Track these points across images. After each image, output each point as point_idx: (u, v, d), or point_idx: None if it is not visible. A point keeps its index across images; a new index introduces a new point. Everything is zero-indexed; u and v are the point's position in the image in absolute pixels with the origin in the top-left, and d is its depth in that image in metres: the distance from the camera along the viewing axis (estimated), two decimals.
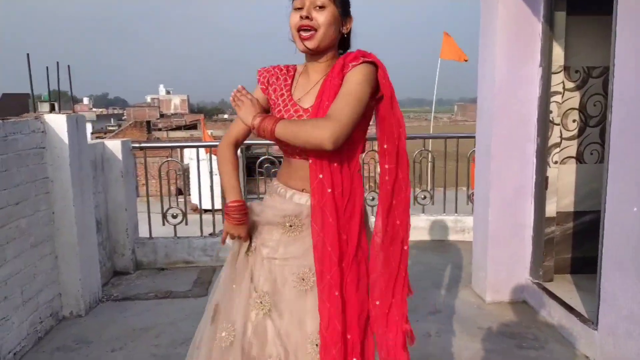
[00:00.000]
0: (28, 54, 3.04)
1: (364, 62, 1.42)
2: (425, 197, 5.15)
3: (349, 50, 1.56)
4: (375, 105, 1.50)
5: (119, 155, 3.94)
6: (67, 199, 3.14)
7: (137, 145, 4.20)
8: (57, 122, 3.07)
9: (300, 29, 1.44)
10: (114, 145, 3.93)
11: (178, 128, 40.13)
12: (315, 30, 1.43)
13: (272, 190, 1.65)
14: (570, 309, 2.95)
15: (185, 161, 10.26)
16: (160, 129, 37.44)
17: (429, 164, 5.30)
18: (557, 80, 3.25)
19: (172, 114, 57.58)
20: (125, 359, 2.74)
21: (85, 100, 71.27)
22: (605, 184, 2.53)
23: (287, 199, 1.57)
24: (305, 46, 1.46)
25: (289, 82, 1.58)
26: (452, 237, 5.01)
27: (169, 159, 4.82)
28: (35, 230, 2.95)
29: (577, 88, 3.44)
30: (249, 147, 9.67)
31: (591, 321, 2.71)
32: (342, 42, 1.55)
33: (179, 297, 3.64)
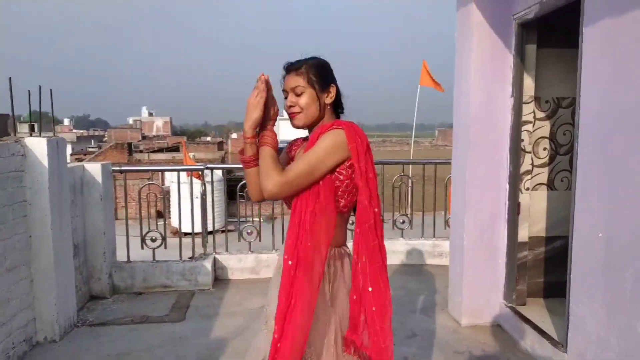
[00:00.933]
0: (10, 78, 3.05)
1: (334, 128, 1.57)
2: (404, 222, 5.23)
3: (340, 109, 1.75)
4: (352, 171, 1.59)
5: (99, 179, 3.94)
6: (45, 223, 3.12)
7: (117, 168, 4.20)
8: (37, 146, 3.08)
9: (289, 112, 1.68)
10: (94, 169, 3.93)
11: (160, 150, 39.84)
12: (300, 111, 1.65)
13: None
14: (541, 332, 3.01)
15: (167, 184, 10.23)
16: (141, 151, 37.16)
17: (408, 188, 5.39)
18: (528, 110, 3.39)
19: (154, 136, 57.28)
20: None
21: (66, 122, 70.54)
22: (572, 210, 2.63)
23: None
24: (294, 124, 1.69)
25: (293, 150, 1.83)
26: (430, 261, 5.08)
27: (150, 182, 4.81)
28: (12, 254, 2.93)
29: (548, 117, 3.59)
30: (230, 170, 9.71)
31: (561, 344, 2.77)
32: (335, 105, 1.72)
33: (156, 322, 3.61)
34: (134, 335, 3.36)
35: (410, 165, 6.91)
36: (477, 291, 3.56)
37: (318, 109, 1.67)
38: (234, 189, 8.48)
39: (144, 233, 4.39)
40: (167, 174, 10.26)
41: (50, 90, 3.26)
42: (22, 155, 3.04)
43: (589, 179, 2.53)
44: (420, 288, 4.34)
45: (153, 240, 4.36)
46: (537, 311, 3.38)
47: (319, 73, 1.66)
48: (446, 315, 3.72)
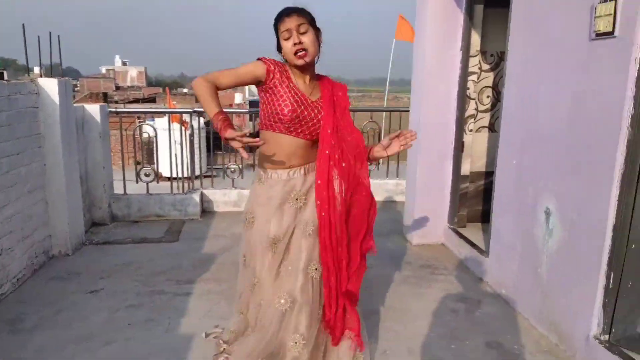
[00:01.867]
0: (23, 24, 3.44)
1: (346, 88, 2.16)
2: (370, 164, 5.84)
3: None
4: None
5: (98, 118, 4.40)
6: (57, 153, 3.62)
7: (113, 109, 4.66)
8: (49, 85, 3.53)
9: (296, 52, 1.92)
10: (93, 109, 4.38)
11: (136, 101, 39.12)
12: (306, 50, 1.92)
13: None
14: (473, 245, 3.72)
15: (144, 135, 10.61)
16: (117, 102, 36.53)
17: (375, 135, 5.98)
18: (474, 62, 3.96)
19: (128, 87, 55.88)
20: (112, 285, 3.30)
21: (36, 70, 67.99)
22: (498, 143, 3.27)
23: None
24: (303, 62, 1.94)
25: (292, 82, 2.03)
26: (395, 197, 5.75)
27: (141, 122, 5.28)
28: (31, 179, 3.44)
29: (492, 69, 4.17)
30: (209, 122, 10.06)
31: (486, 252, 3.48)
32: None
33: (153, 242, 4.20)
34: (136, 251, 3.96)
35: (383, 118, 7.47)
36: (426, 217, 4.24)
37: (317, 50, 1.96)
38: (217, 142, 8.91)
39: (138, 169, 4.91)
40: (147, 128, 10.69)
41: (58, 36, 3.67)
42: (36, 93, 3.49)
43: (509, 118, 3.16)
44: (382, 219, 4.99)
45: (147, 175, 4.89)
46: (473, 232, 4.08)
47: (314, 18, 1.95)
48: (401, 238, 4.42)
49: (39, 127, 3.54)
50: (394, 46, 11.74)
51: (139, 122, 5.35)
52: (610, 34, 2.19)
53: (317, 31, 1.98)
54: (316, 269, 2.12)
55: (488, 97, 4.21)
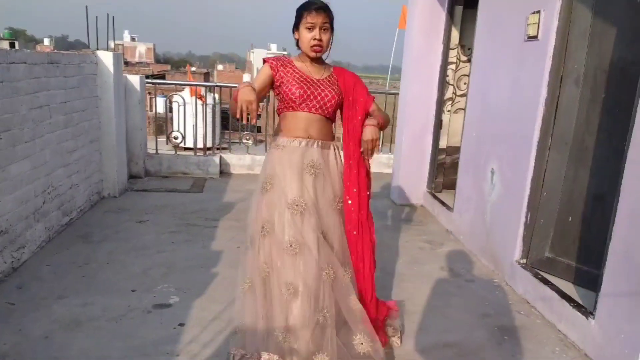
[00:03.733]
0: (86, 6, 4.27)
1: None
2: None
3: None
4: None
5: (137, 87, 5.25)
6: (110, 112, 4.48)
7: (150, 81, 5.50)
8: (106, 57, 4.38)
9: (312, 46, 2.12)
10: (134, 79, 5.23)
11: (146, 77, 39.54)
12: (322, 46, 2.13)
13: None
14: (444, 204, 4.59)
15: (160, 109, 11.50)
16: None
17: None
18: (453, 54, 4.78)
19: (137, 62, 56.48)
20: (155, 218, 4.19)
21: (46, 42, 68.66)
22: (464, 120, 4.12)
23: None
24: (315, 55, 2.15)
25: (294, 67, 2.19)
26: (385, 170, 6.60)
27: (175, 93, 6.14)
28: (92, 131, 4.31)
29: (468, 60, 4.98)
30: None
31: (452, 208, 4.35)
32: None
33: (182, 192, 5.09)
34: (169, 196, 4.85)
35: (384, 101, 8.23)
36: (409, 182, 5.10)
37: (328, 47, 2.17)
38: (224, 118, 9.76)
39: (168, 132, 5.77)
40: (160, 102, 11.64)
41: (113, 17, 4.49)
42: (95, 63, 4.34)
43: (472, 99, 4.00)
44: (374, 185, 5.85)
45: (175, 138, 5.75)
46: (447, 197, 4.92)
47: (334, 18, 2.11)
48: (388, 200, 5.29)
49: (97, 90, 4.39)
50: (397, 35, 12.47)
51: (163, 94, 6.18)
52: (535, 38, 3.03)
53: (332, 31, 2.18)
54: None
55: (465, 84, 5.02)
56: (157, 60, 69.96)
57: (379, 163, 6.62)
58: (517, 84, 3.26)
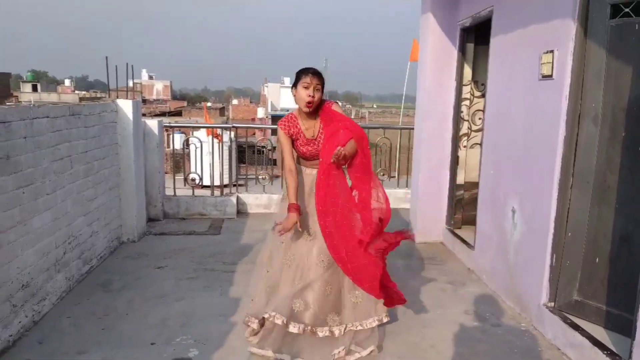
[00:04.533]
0: (107, 57, 4.42)
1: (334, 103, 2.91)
2: (383, 174, 6.69)
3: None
4: None
5: (156, 131, 5.35)
6: (129, 159, 4.56)
7: (167, 124, 5.61)
8: (125, 105, 4.48)
9: (308, 100, 2.73)
10: (153, 124, 5.34)
11: (162, 114, 40.49)
12: (313, 102, 2.75)
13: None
14: (463, 241, 4.51)
15: (177, 145, 11.77)
16: (144, 114, 37.88)
17: (388, 149, 6.82)
18: (467, 90, 4.79)
19: (154, 100, 57.96)
20: (173, 263, 4.19)
21: (67, 82, 71.03)
22: (480, 158, 4.08)
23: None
24: (308, 109, 2.77)
25: (298, 126, 2.87)
26: (402, 205, 6.55)
27: (191, 136, 6.24)
28: (111, 178, 4.37)
29: (482, 96, 4.98)
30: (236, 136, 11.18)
31: (472, 246, 4.27)
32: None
33: (199, 234, 5.10)
34: (186, 240, 4.86)
35: (399, 135, 8.27)
36: (428, 218, 5.04)
37: (318, 102, 2.81)
38: (241, 152, 9.83)
39: (186, 174, 5.84)
40: (176, 138, 11.90)
41: (132, 66, 4.63)
42: (115, 111, 4.44)
43: (488, 136, 3.98)
44: (392, 222, 5.79)
45: (193, 180, 5.81)
46: (467, 233, 4.85)
47: (324, 83, 2.83)
48: None
49: (117, 138, 4.48)
50: (409, 66, 12.60)
51: (184, 136, 6.28)
52: (550, 77, 3.02)
53: (322, 92, 2.81)
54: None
55: (480, 119, 5.01)
56: (174, 97, 71.76)
57: (395, 198, 6.57)
58: (534, 122, 3.24)
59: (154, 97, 66.11)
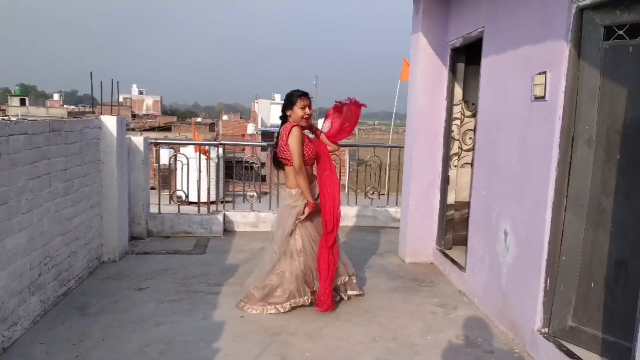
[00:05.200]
0: (91, 72, 4.30)
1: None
2: (373, 193, 6.61)
3: None
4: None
5: (141, 148, 5.22)
6: (112, 176, 4.42)
7: (153, 141, 5.49)
8: (109, 121, 4.36)
9: (306, 118, 3.57)
10: (138, 140, 5.21)
11: (152, 129, 40.17)
12: (310, 119, 3.64)
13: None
14: (455, 262, 4.42)
15: (163, 161, 11.62)
16: (133, 129, 37.74)
17: (377, 167, 6.75)
18: (457, 109, 4.75)
19: (144, 115, 57.61)
20: (155, 285, 4.03)
21: (56, 97, 70.42)
22: (471, 177, 4.02)
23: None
24: (308, 124, 3.65)
25: (305, 135, 3.61)
26: (392, 224, 6.45)
27: (177, 153, 6.12)
28: (92, 196, 4.23)
29: (473, 115, 4.95)
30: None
31: (464, 268, 4.18)
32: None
33: (184, 253, 4.95)
34: (170, 259, 4.71)
35: (389, 152, 8.22)
36: (418, 238, 4.95)
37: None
38: (229, 172, 9.71)
39: (171, 191, 5.70)
40: (163, 153, 11.77)
41: (117, 82, 4.51)
42: (99, 127, 4.32)
43: (479, 157, 3.92)
44: (381, 241, 5.73)
45: (179, 198, 5.67)
46: (458, 254, 4.76)
47: None
48: (396, 257, 5.12)
49: (100, 154, 4.35)
50: (399, 86, 12.65)
51: (172, 152, 6.15)
52: (542, 98, 2.97)
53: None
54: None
55: (470, 138, 4.96)
56: (164, 112, 71.45)
57: (386, 217, 6.49)
58: (526, 143, 3.18)
59: (144, 112, 65.74)
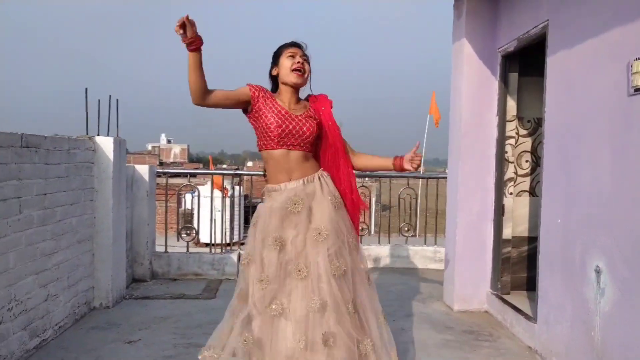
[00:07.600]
0: (86, 88, 3.79)
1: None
2: (408, 230, 5.81)
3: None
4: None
5: (146, 178, 4.63)
6: (107, 207, 3.80)
7: (160, 170, 4.90)
8: (105, 143, 3.79)
9: (295, 69, 2.24)
10: (143, 169, 4.63)
11: (177, 175, 40.19)
12: (303, 72, 2.26)
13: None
14: (519, 311, 3.56)
15: (187, 205, 11.07)
16: (160, 176, 37.90)
17: (412, 200, 6.00)
18: (511, 127, 4.01)
19: (171, 162, 58.46)
20: (150, 337, 3.30)
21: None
22: (540, 206, 3.23)
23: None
24: (298, 81, 2.25)
25: (274, 101, 2.26)
26: (431, 265, 5.62)
27: (184, 193, 5.52)
28: (81, 229, 3.59)
29: (529, 134, 4.21)
30: (246, 196, 10.49)
31: (533, 318, 3.32)
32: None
33: (191, 298, 4.22)
34: (174, 305, 3.98)
35: (420, 186, 7.50)
36: (467, 281, 4.11)
37: (307, 81, 2.32)
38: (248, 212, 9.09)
39: (179, 228, 5.05)
40: (187, 195, 11.24)
41: (117, 100, 3.99)
42: (93, 150, 3.74)
43: (550, 179, 3.15)
44: (420, 285, 4.89)
45: (187, 234, 5.01)
46: (519, 299, 3.90)
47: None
48: (441, 303, 4.27)
49: (93, 181, 3.75)
50: (428, 121, 12.04)
51: (184, 191, 5.56)
52: None
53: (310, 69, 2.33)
54: (340, 268, 2.19)
55: (527, 161, 4.21)
56: (191, 160, 72.49)
57: (422, 257, 5.67)
58: (624, 153, 2.41)
59: (172, 159, 66.74)
